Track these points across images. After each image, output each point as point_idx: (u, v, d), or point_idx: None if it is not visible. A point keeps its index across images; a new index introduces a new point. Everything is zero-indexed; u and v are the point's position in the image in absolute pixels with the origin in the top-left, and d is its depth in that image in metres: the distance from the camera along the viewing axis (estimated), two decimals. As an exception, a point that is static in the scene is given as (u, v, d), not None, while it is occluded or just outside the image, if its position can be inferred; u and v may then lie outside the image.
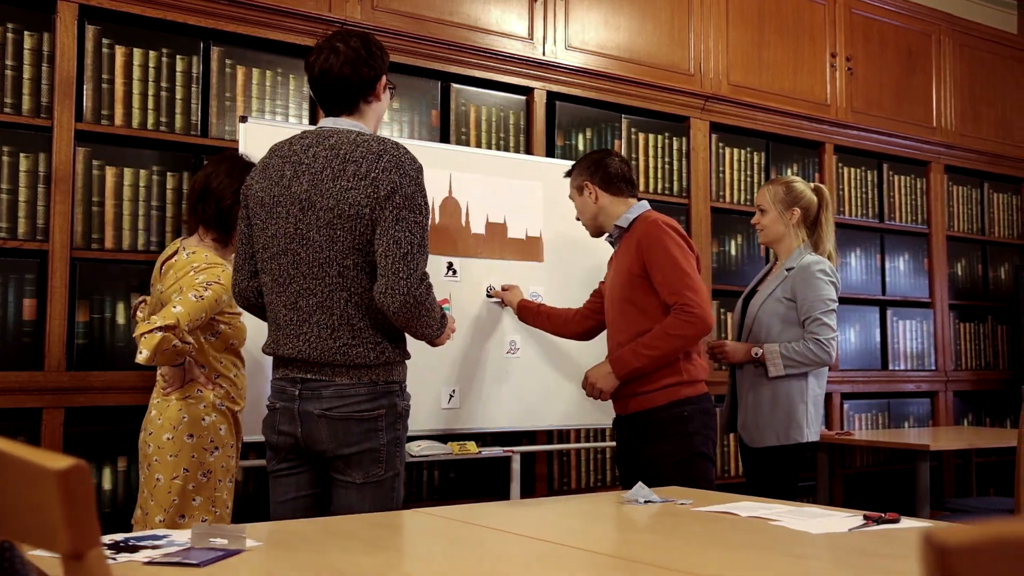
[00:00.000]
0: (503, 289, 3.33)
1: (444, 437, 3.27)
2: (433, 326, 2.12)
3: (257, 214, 2.14)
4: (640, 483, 2.03)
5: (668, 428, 2.76)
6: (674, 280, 2.71)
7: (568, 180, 3.03)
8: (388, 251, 2.00)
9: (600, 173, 2.92)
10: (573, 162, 3.10)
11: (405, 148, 2.10)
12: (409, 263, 2.00)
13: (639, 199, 2.96)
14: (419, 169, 2.08)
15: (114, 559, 1.38)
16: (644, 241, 2.77)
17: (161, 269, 2.69)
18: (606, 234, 2.97)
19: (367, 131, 2.15)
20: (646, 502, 1.94)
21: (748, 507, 1.86)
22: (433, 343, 2.24)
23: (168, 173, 3.14)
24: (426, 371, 3.16)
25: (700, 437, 2.77)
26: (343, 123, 2.14)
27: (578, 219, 3.03)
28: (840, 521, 1.70)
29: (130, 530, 2.55)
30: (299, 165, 2.09)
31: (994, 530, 0.40)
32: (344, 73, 2.12)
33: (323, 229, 2.04)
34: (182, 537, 1.51)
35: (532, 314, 3.24)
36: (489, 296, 3.32)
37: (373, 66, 2.15)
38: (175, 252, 2.67)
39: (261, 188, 2.13)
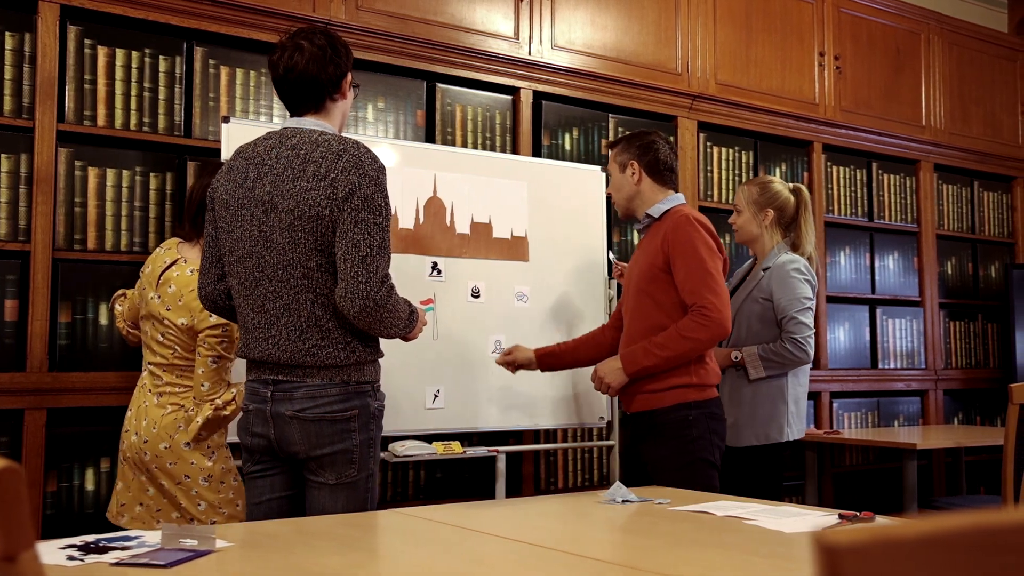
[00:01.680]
0: (506, 354, 3.08)
1: (429, 437, 3.26)
2: (399, 326, 2.09)
3: (223, 217, 2.13)
4: (618, 482, 2.02)
5: (671, 431, 2.67)
6: (696, 280, 2.61)
7: (611, 151, 2.89)
8: (347, 254, 1.98)
9: (649, 156, 2.79)
10: (562, 162, 3.09)
11: (366, 148, 2.07)
12: (368, 266, 1.98)
13: (676, 191, 2.86)
14: (380, 169, 2.05)
15: (82, 560, 1.38)
16: (672, 235, 2.66)
17: (159, 279, 2.60)
18: (636, 221, 2.86)
19: (331, 130, 2.14)
20: (624, 501, 1.93)
21: (723, 506, 1.86)
22: (405, 339, 2.23)
23: (151, 174, 3.13)
24: (411, 371, 3.16)
25: (704, 442, 2.66)
26: (307, 122, 2.13)
27: (609, 194, 2.93)
28: (815, 520, 1.70)
29: (114, 530, 2.55)
30: (262, 167, 2.07)
31: (882, 531, 0.40)
32: (310, 71, 2.10)
33: (285, 231, 2.02)
34: (154, 538, 1.51)
35: (556, 358, 3.04)
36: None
37: (339, 63, 2.14)
38: (174, 262, 2.61)
39: (226, 191, 2.12)
